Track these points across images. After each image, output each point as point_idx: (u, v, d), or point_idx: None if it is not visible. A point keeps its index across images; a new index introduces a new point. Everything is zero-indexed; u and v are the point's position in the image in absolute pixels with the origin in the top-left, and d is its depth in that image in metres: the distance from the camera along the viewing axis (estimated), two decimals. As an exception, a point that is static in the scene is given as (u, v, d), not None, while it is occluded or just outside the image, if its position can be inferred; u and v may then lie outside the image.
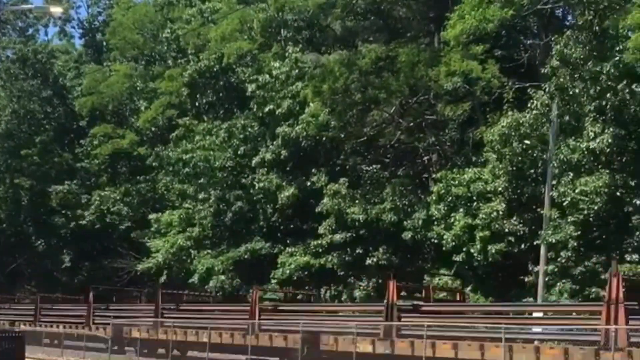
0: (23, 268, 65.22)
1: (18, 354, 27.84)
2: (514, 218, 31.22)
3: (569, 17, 36.78)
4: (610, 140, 27.71)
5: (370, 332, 28.29)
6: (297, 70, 41.27)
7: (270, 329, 31.79)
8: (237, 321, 34.40)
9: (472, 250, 31.64)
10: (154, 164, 52.54)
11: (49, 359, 37.81)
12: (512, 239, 31.11)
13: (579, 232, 28.26)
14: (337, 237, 38.03)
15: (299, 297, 39.05)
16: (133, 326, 39.03)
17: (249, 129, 43.78)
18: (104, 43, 66.80)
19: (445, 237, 32.67)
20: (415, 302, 29.65)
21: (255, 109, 43.24)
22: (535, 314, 27.21)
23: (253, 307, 33.64)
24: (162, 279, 47.67)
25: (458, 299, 31.36)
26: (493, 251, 30.94)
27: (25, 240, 64.19)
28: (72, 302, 50.19)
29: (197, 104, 49.83)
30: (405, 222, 35.40)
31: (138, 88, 56.89)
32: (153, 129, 54.13)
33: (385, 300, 28.05)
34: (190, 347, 35.73)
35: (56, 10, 46.73)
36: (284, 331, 30.83)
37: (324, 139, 39.57)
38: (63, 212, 60.65)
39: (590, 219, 28.22)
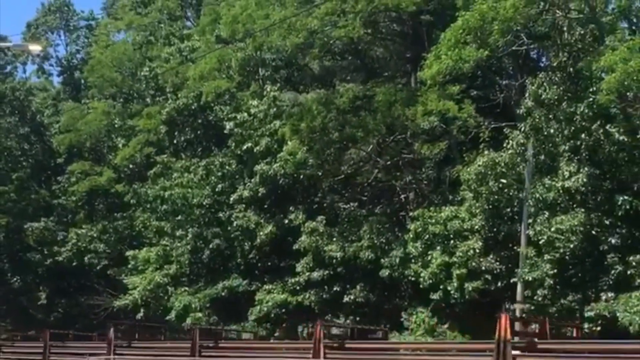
0: (-2, 304, 64.91)
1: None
2: (491, 256, 31.55)
3: (544, 59, 37.39)
4: (585, 180, 28.10)
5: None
6: (275, 109, 41.38)
7: None
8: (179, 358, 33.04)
9: (449, 288, 31.81)
10: (131, 201, 52.38)
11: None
12: (488, 276, 31.39)
13: (555, 270, 28.47)
14: (315, 274, 38.09)
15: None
16: None
17: (227, 167, 43.85)
18: (82, 81, 66.74)
19: (422, 274, 32.78)
20: (530, 339, 25.03)
21: (233, 147, 43.33)
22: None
23: (317, 345, 27.04)
24: (140, 315, 47.52)
25: (575, 334, 28.09)
26: (470, 289, 31.16)
27: (1, 276, 63.91)
28: (32, 340, 49.56)
29: (175, 141, 49.85)
30: (382, 260, 35.55)
31: (116, 125, 56.83)
32: (131, 166, 54.08)
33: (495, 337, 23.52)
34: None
35: (35, 48, 46.87)
36: None
37: (301, 176, 39.74)
38: (39, 249, 60.51)
39: (567, 257, 28.51)
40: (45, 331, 43.02)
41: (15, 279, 63.14)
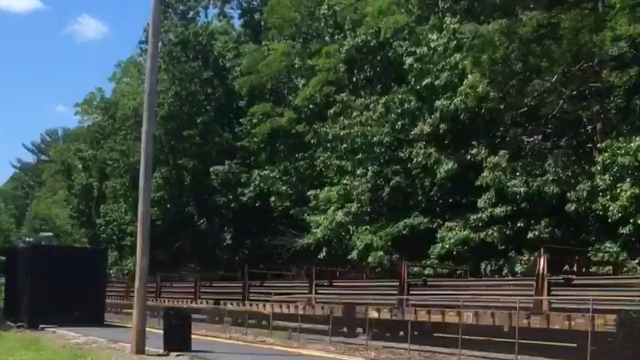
0: (186, 247, 66.72)
1: (186, 332, 28.61)
2: (686, 187, 29.77)
3: None
4: None
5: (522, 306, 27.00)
6: (455, 42, 40.39)
7: (418, 304, 31.40)
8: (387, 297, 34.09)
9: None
10: (312, 141, 52.62)
11: (213, 335, 38.14)
12: (683, 208, 29.68)
13: None
14: (498, 210, 37.22)
15: (458, 271, 38.50)
16: (290, 302, 39.44)
17: (407, 104, 43.21)
18: (262, 22, 67.43)
19: (611, 208, 31.32)
20: (566, 276, 28.71)
21: (412, 83, 42.64)
22: None
23: (402, 282, 33.35)
24: (322, 255, 47.79)
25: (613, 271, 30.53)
26: (663, 222, 29.61)
27: (188, 220, 65.71)
28: (230, 280, 50.88)
29: (354, 79, 49.61)
30: (568, 194, 34.31)
31: (296, 66, 57.11)
32: (311, 106, 54.18)
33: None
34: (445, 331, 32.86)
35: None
36: (432, 306, 30.65)
37: (483, 110, 38.56)
38: (224, 191, 61.64)
39: None
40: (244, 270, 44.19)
41: (201, 221, 64.74)
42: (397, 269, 34.85)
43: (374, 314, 33.84)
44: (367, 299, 34.86)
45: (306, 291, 40.01)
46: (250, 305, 43.48)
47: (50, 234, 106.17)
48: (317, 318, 37.77)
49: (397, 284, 33.92)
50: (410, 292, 32.92)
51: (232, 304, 44.95)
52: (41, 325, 41.11)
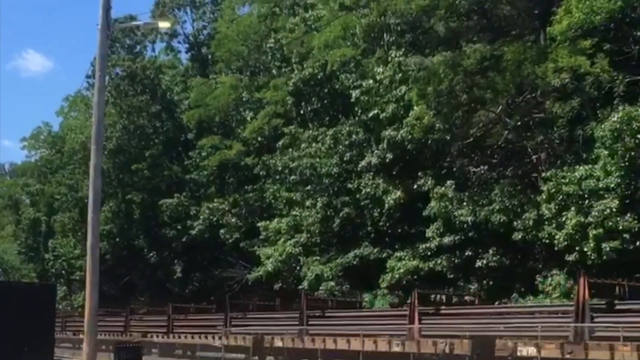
0: (136, 280, 66.40)
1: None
2: (628, 215, 30.27)
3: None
4: None
5: (557, 335, 26.76)
6: (400, 74, 40.97)
7: (433, 335, 31.10)
8: (391, 327, 34.11)
9: (585, 249, 30.77)
10: (261, 173, 52.96)
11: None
12: (627, 236, 30.17)
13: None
14: (446, 240, 37.65)
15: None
16: (276, 335, 39.05)
17: (354, 135, 43.71)
18: (210, 56, 67.77)
19: (557, 236, 31.83)
20: (609, 300, 27.85)
21: (359, 115, 43.13)
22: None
23: (412, 311, 32.87)
24: (277, 286, 47.91)
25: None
26: (607, 249, 30.07)
27: (137, 253, 65.50)
28: (202, 312, 50.84)
29: (302, 112, 50.01)
30: (515, 223, 34.77)
31: (244, 99, 57.52)
32: (259, 138, 54.51)
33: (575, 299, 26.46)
34: (340, 356, 34.64)
35: (164, 24, 47.30)
36: (449, 336, 29.89)
37: (429, 141, 39.13)
38: (173, 224, 61.58)
39: None
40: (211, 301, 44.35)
41: (151, 254, 64.58)
42: (411, 300, 33.94)
43: (278, 343, 34.78)
44: (273, 330, 35.63)
45: (221, 323, 40.31)
46: (227, 339, 43.31)
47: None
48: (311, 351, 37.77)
49: (298, 315, 34.15)
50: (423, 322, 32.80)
51: (157, 336, 45.12)
52: (-13, 363, 40.55)
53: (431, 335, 29.97)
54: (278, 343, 36.31)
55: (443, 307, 31.48)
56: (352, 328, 34.27)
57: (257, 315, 42.46)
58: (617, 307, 27.27)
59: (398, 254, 40.24)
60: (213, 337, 40.35)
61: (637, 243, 30.22)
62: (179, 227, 60.85)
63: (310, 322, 35.47)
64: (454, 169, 39.45)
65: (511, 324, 29.82)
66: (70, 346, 54.81)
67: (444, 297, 34.32)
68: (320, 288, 43.20)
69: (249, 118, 55.95)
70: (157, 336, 45.11)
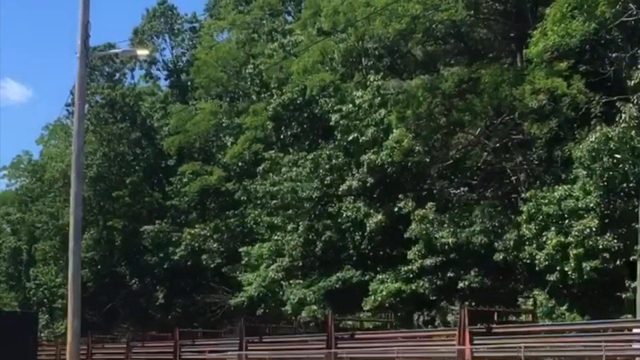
0: (118, 307, 66.28)
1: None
2: (608, 234, 30.55)
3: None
4: None
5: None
6: (379, 98, 41.16)
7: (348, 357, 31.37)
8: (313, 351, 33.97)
9: (566, 269, 31.01)
10: (242, 198, 53.07)
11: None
12: (607, 255, 30.46)
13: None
14: (428, 262, 37.69)
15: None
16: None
17: (334, 159, 43.85)
18: (189, 82, 67.86)
19: (537, 256, 32.06)
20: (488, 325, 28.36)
21: (339, 139, 43.31)
22: (635, 330, 26.37)
23: (329, 336, 32.89)
24: (260, 311, 47.88)
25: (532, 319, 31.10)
26: (588, 268, 30.34)
27: (119, 280, 65.39)
28: (162, 339, 50.46)
29: (282, 136, 50.09)
30: (496, 244, 35.03)
31: (224, 124, 57.64)
32: (240, 163, 54.55)
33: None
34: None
35: (142, 52, 47.56)
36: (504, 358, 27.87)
37: (409, 164, 39.41)
38: (155, 251, 61.59)
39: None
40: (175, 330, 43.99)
41: (133, 281, 64.51)
42: (328, 325, 34.59)
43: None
44: (296, 354, 34.93)
45: (236, 348, 39.88)
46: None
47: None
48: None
49: (325, 338, 33.83)
50: (338, 346, 32.81)
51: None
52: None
53: (483, 357, 27.44)
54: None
55: (495, 324, 30.06)
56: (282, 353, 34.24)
57: (205, 342, 42.40)
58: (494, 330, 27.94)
59: (380, 277, 40.31)
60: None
61: (617, 262, 30.52)
62: (161, 253, 60.81)
63: (339, 345, 34.18)
64: (434, 191, 39.68)
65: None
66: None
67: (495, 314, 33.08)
68: (303, 312, 43.30)
69: (229, 143, 56.04)
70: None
